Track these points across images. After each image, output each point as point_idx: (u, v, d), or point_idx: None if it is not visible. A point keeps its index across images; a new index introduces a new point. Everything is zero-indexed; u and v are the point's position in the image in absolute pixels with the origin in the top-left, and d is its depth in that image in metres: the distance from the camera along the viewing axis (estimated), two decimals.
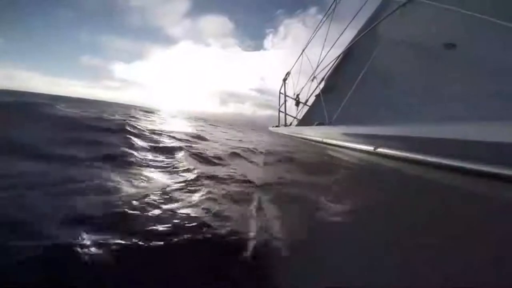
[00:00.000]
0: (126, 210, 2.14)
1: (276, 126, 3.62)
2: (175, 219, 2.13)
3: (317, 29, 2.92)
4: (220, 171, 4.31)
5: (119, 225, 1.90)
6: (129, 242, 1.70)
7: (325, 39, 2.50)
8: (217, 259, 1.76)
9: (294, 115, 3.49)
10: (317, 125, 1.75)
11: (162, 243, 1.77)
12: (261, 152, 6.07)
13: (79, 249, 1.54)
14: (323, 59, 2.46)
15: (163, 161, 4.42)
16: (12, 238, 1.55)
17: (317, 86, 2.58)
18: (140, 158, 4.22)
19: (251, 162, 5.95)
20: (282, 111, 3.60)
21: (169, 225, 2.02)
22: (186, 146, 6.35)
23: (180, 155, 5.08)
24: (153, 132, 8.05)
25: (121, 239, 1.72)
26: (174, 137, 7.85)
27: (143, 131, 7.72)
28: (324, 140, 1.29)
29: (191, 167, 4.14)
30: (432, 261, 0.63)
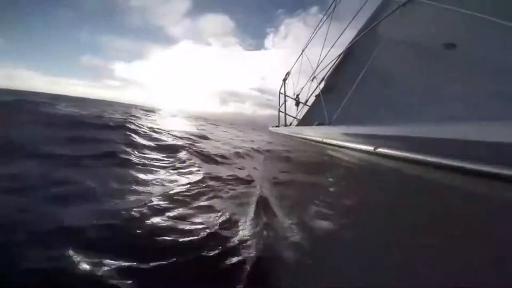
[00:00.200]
0: (127, 217, 2.05)
1: (276, 126, 3.62)
2: (182, 227, 2.07)
3: (317, 29, 2.93)
4: (227, 172, 4.30)
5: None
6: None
7: (325, 39, 2.50)
8: (218, 261, 1.74)
9: (294, 115, 3.49)
10: (317, 125, 1.75)
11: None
12: (266, 151, 6.04)
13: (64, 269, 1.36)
14: (323, 59, 2.47)
15: (165, 160, 4.42)
16: None
17: (317, 86, 2.58)
18: (141, 157, 4.22)
19: (257, 161, 5.95)
20: (282, 111, 3.61)
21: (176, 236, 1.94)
22: (190, 144, 6.36)
23: (186, 155, 5.07)
24: (153, 130, 8.06)
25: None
26: (177, 136, 7.87)
27: (142, 128, 7.73)
28: (324, 140, 1.29)
29: (198, 167, 4.14)
30: (432, 261, 0.63)
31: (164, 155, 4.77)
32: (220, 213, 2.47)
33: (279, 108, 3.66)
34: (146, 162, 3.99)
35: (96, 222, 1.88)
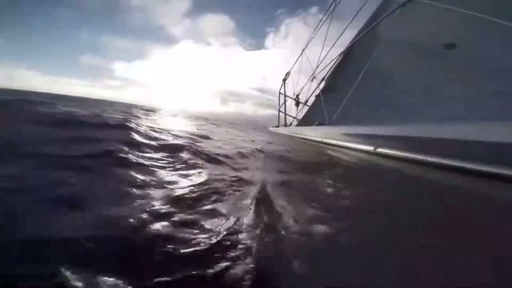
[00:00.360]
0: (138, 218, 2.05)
1: (276, 126, 3.62)
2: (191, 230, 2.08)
3: (317, 29, 2.92)
4: (227, 172, 4.31)
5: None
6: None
7: (325, 39, 2.50)
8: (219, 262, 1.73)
9: (294, 115, 3.49)
10: (317, 125, 1.75)
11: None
12: (266, 151, 6.05)
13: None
14: (323, 59, 2.46)
15: (165, 160, 4.42)
16: None
17: (317, 86, 2.58)
18: (143, 157, 4.22)
19: (258, 161, 5.95)
20: (282, 111, 3.60)
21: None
22: (191, 143, 6.37)
23: (192, 155, 5.08)
24: (154, 130, 8.07)
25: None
26: (180, 136, 7.88)
27: (142, 127, 7.74)
28: (324, 140, 1.29)
29: (202, 168, 4.14)
30: (432, 261, 0.63)
31: (164, 155, 4.77)
32: (220, 213, 2.47)
33: (279, 108, 3.65)
34: (146, 162, 3.99)
35: (94, 227, 1.87)
